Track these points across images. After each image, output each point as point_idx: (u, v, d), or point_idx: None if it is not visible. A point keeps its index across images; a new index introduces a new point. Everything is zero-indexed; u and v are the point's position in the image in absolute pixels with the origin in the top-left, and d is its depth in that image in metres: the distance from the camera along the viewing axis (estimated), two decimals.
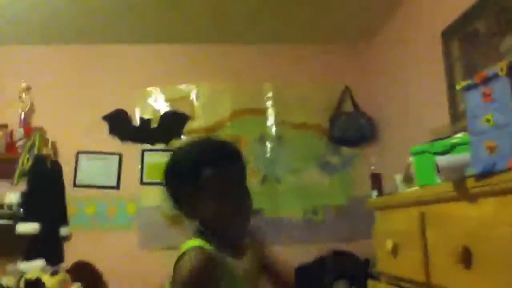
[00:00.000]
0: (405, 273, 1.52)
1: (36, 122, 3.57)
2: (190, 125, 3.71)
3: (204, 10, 3.28)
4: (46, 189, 3.35)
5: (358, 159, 3.68)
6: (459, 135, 1.48)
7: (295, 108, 3.75)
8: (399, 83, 3.24)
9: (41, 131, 3.48)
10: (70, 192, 3.53)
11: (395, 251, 1.56)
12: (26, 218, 3.21)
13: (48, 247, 3.25)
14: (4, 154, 3.39)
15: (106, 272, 3.39)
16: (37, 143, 3.39)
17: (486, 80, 1.09)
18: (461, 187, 1.17)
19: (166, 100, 3.76)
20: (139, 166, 3.63)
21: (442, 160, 1.31)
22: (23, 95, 3.55)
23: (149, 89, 3.76)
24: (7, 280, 2.79)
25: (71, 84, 3.69)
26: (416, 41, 2.93)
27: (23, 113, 3.52)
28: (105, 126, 3.65)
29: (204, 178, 1.18)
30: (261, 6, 3.22)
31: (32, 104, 3.58)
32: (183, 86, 3.78)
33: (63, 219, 3.44)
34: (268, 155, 3.68)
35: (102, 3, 3.14)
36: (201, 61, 3.80)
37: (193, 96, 3.77)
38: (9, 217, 3.22)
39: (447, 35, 2.49)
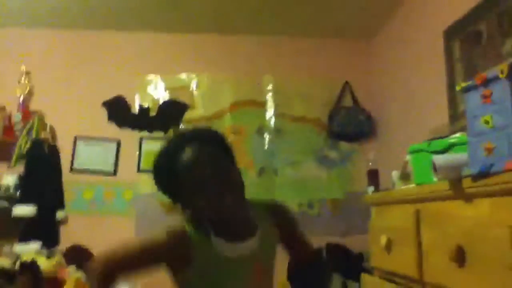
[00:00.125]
0: (398, 268, 1.54)
1: (34, 106, 3.57)
2: (189, 115, 3.72)
3: (207, 0, 3.27)
4: (44, 172, 3.36)
5: (356, 155, 3.70)
6: (457, 135, 1.49)
7: (295, 102, 3.76)
8: (399, 81, 3.25)
9: (40, 115, 3.48)
10: (67, 177, 3.54)
11: (389, 246, 1.58)
12: (22, 201, 3.22)
13: (44, 230, 3.27)
14: (2, 137, 3.38)
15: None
16: (35, 126, 3.39)
17: (486, 82, 1.10)
18: (458, 186, 1.19)
19: (166, 89, 3.76)
20: (137, 153, 3.64)
21: (439, 159, 1.32)
22: (23, 79, 3.54)
23: (149, 77, 3.76)
24: (2, 262, 2.80)
25: (71, 69, 3.69)
26: (417, 40, 2.93)
27: (22, 96, 3.51)
28: (103, 112, 3.65)
29: (180, 169, 1.21)
30: None
31: (31, 88, 3.58)
32: (183, 75, 3.78)
33: (60, 203, 3.46)
34: (266, 147, 3.69)
35: None
36: (202, 51, 3.80)
37: (193, 85, 3.77)
38: (5, 199, 3.23)
39: (449, 35, 2.49)
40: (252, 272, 1.28)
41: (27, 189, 3.27)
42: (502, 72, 1.05)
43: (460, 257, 1.12)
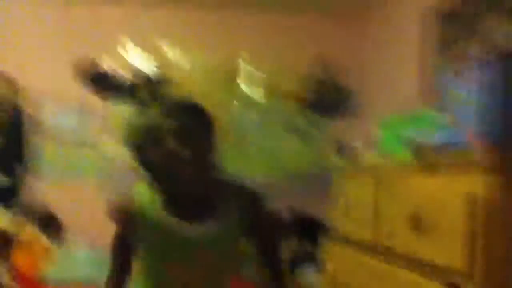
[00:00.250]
0: (356, 233, 1.58)
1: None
2: (164, 90, 3.64)
3: None
4: (12, 136, 3.28)
5: (327, 127, 3.71)
6: (424, 108, 1.52)
7: (272, 74, 3.73)
8: (377, 58, 3.27)
9: (9, 78, 3.35)
10: (31, 137, 3.44)
11: (348, 212, 1.62)
12: None
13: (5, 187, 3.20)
14: None
15: (64, 216, 3.37)
16: (7, 93, 3.28)
17: (460, 59, 1.11)
18: (420, 157, 1.21)
19: (143, 61, 3.65)
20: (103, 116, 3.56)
21: (406, 132, 1.34)
22: None
23: (127, 44, 3.64)
24: None
25: (45, 23, 3.54)
26: (398, 17, 2.94)
27: None
28: (73, 74, 3.52)
29: (152, 124, 1.16)
30: None
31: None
32: (165, 49, 3.68)
33: (21, 162, 3.38)
34: (240, 118, 3.67)
35: None
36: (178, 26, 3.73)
37: (174, 60, 3.68)
38: None
39: (429, 13, 2.49)
40: (198, 257, 1.18)
41: None
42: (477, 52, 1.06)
43: (416, 223, 1.15)
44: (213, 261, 1.19)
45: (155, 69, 3.57)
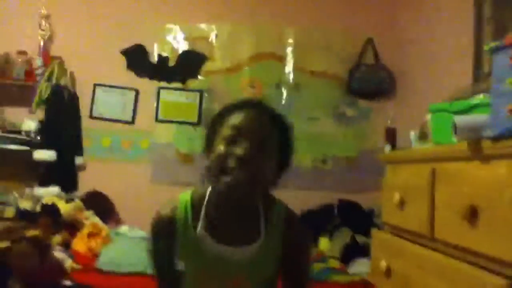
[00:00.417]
0: (409, 225, 1.55)
1: (54, 51, 3.58)
2: (207, 66, 3.69)
3: None
4: (63, 118, 3.41)
5: (374, 113, 3.66)
6: (480, 96, 1.47)
7: (315, 56, 3.70)
8: (424, 39, 3.16)
9: (60, 61, 3.49)
10: (86, 123, 3.60)
11: (402, 204, 1.60)
12: (43, 146, 3.29)
13: (64, 175, 3.36)
14: (23, 81, 3.42)
15: (118, 202, 3.52)
16: (55, 72, 3.42)
17: None
18: (476, 147, 1.18)
19: (185, 39, 3.72)
20: (155, 104, 3.66)
21: (460, 119, 1.31)
22: (43, 22, 3.53)
23: (169, 26, 3.72)
24: (24, 204, 2.90)
25: (91, 15, 3.66)
26: (452, 1, 2.82)
27: (42, 41, 3.52)
28: (123, 60, 3.65)
29: (225, 119, 1.13)
30: None
31: (51, 33, 3.57)
32: (203, 26, 3.73)
33: (79, 149, 3.53)
34: (283, 102, 3.68)
35: None
36: (222, 0, 3.73)
37: (212, 36, 3.72)
38: (26, 143, 3.31)
39: None
40: (230, 281, 1.17)
41: (47, 134, 3.34)
42: None
43: (472, 216, 1.13)
44: (247, 285, 1.17)
45: (197, 46, 3.64)
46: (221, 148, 1.07)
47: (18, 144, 3.30)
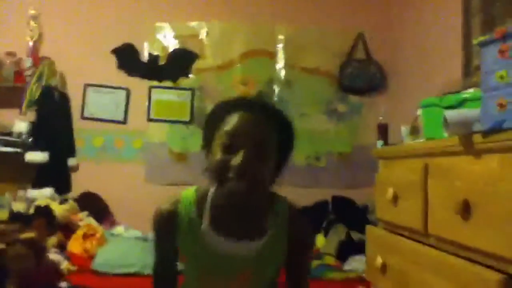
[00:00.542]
0: (403, 221, 1.57)
1: (44, 52, 3.55)
2: (198, 64, 3.68)
3: None
4: (55, 119, 3.39)
5: (365, 108, 3.68)
6: (470, 90, 1.48)
7: (306, 53, 3.71)
8: (414, 34, 3.18)
9: (50, 61, 3.47)
10: (78, 124, 3.58)
11: (395, 199, 1.61)
12: (35, 147, 3.27)
13: (57, 176, 3.34)
14: (13, 82, 3.40)
15: (112, 203, 3.50)
16: (45, 73, 3.40)
17: (505, 36, 1.07)
18: (468, 142, 1.19)
19: (176, 37, 3.71)
20: (146, 103, 3.64)
21: (451, 114, 1.31)
22: (32, 23, 3.50)
23: (159, 24, 3.70)
24: (18, 206, 2.89)
25: (81, 15, 3.64)
26: None
27: (31, 41, 3.49)
28: (113, 60, 3.63)
29: (223, 118, 1.11)
30: None
31: (40, 33, 3.55)
32: (193, 24, 3.72)
33: (71, 150, 3.52)
34: (275, 98, 3.68)
35: None
36: None
37: (203, 34, 3.71)
38: (18, 145, 3.29)
39: None
40: (236, 277, 1.16)
41: (39, 135, 3.32)
42: None
43: (465, 210, 1.14)
44: (254, 280, 1.17)
45: (187, 44, 3.62)
46: (218, 156, 1.06)
47: (10, 146, 3.28)
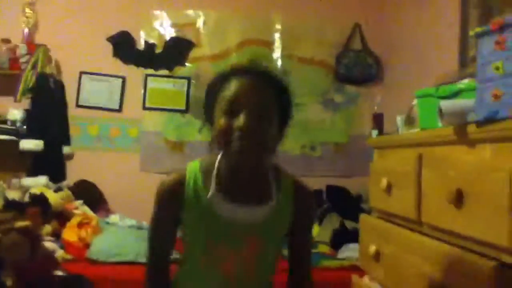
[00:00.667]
0: (397, 210, 1.58)
1: (39, 39, 3.52)
2: (195, 53, 3.67)
3: None
4: (49, 107, 3.37)
5: (361, 98, 3.68)
6: (465, 81, 1.49)
7: (302, 42, 3.70)
8: (410, 24, 3.17)
9: (45, 48, 3.44)
10: (73, 112, 3.57)
11: (389, 188, 1.62)
12: (29, 135, 3.26)
13: (51, 164, 3.33)
14: (8, 69, 3.37)
15: (107, 191, 3.51)
16: (40, 60, 3.37)
17: (502, 28, 1.07)
18: (462, 132, 1.20)
19: (172, 25, 3.69)
20: (142, 91, 3.63)
21: (446, 104, 1.32)
22: (27, 10, 3.47)
23: (155, 12, 3.68)
24: (13, 194, 2.88)
25: (76, 2, 3.61)
26: None
27: (26, 28, 3.46)
28: (109, 48, 3.61)
29: (221, 88, 1.13)
30: None
31: (35, 20, 3.52)
32: (190, 12, 3.70)
33: (66, 138, 3.51)
34: None
35: None
36: None
37: (199, 23, 3.69)
38: (13, 133, 3.27)
39: None
40: (244, 242, 1.16)
41: (34, 123, 3.30)
42: None
43: (458, 199, 1.15)
44: (259, 247, 1.18)
45: (184, 33, 3.61)
46: (222, 121, 1.08)
47: (4, 134, 3.26)
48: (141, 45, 3.65)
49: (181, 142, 3.59)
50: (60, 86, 3.51)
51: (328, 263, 2.60)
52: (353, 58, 3.61)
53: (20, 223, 2.09)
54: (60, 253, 2.52)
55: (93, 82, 3.61)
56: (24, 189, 2.98)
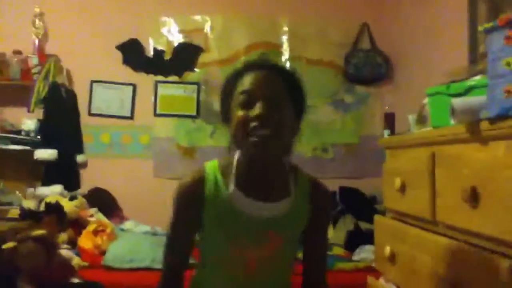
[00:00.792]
0: (412, 210, 1.57)
1: (50, 49, 3.56)
2: (203, 58, 3.69)
3: None
4: (62, 116, 3.41)
5: (372, 98, 3.67)
6: (476, 77, 1.47)
7: (310, 44, 3.69)
8: (418, 21, 3.15)
9: (56, 59, 3.48)
10: (85, 120, 3.60)
11: (403, 188, 1.61)
12: (43, 145, 3.30)
13: (66, 173, 3.37)
14: (20, 81, 3.42)
15: (121, 198, 3.53)
16: (52, 70, 3.41)
17: (510, 23, 1.06)
18: (474, 129, 1.19)
19: (180, 31, 3.71)
20: (153, 98, 3.66)
21: (457, 102, 1.31)
22: (37, 21, 3.52)
23: (163, 19, 3.70)
24: (28, 203, 2.91)
25: (85, 12, 3.65)
26: None
27: (37, 39, 3.50)
28: (118, 56, 3.64)
29: (236, 84, 1.15)
30: None
31: (45, 31, 3.56)
32: (197, 17, 3.72)
33: (79, 147, 3.54)
34: None
35: None
36: None
37: (207, 28, 3.71)
38: (27, 143, 3.32)
39: None
40: (264, 237, 1.17)
41: (47, 133, 3.34)
42: None
43: (473, 198, 1.14)
44: (279, 243, 1.18)
45: (192, 38, 3.62)
46: (239, 114, 1.10)
47: (19, 144, 3.31)
48: (150, 52, 3.68)
49: (193, 148, 3.61)
50: (72, 95, 3.55)
51: (343, 265, 2.59)
52: (362, 58, 3.59)
53: (36, 232, 2.12)
54: (76, 261, 2.54)
55: (104, 90, 3.64)
56: (39, 198, 3.01)
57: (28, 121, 3.37)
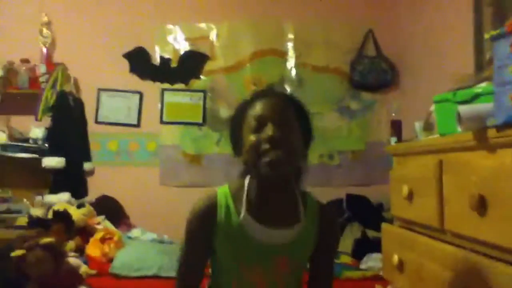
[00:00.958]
0: (419, 218, 1.56)
1: (57, 58, 3.60)
2: (209, 66, 3.70)
3: None
4: (70, 124, 3.44)
5: (377, 105, 3.66)
6: (483, 84, 1.47)
7: (316, 50, 3.70)
8: (424, 29, 3.15)
9: (63, 67, 3.51)
10: (92, 128, 3.62)
11: (410, 196, 1.60)
12: (51, 153, 3.32)
13: (73, 181, 3.39)
14: (28, 89, 3.45)
15: (128, 206, 3.54)
16: (59, 79, 3.44)
17: None
18: (482, 136, 1.18)
19: (186, 39, 3.73)
20: (159, 106, 3.67)
21: (464, 109, 1.31)
22: (44, 29, 3.55)
23: (169, 27, 3.73)
24: (36, 211, 2.93)
25: (91, 20, 3.68)
26: None
27: (45, 48, 3.54)
28: (125, 64, 3.67)
29: (245, 113, 1.19)
30: None
31: (53, 40, 3.60)
32: (203, 25, 3.74)
33: (86, 155, 3.56)
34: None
35: None
36: None
37: (213, 35, 3.73)
38: (35, 151, 3.34)
39: None
40: (274, 263, 1.19)
41: (55, 141, 3.36)
42: None
43: (481, 206, 1.14)
44: (288, 267, 1.20)
45: (197, 46, 3.65)
46: (251, 138, 1.14)
47: (27, 152, 3.33)
48: (156, 60, 3.70)
49: (199, 155, 3.61)
50: (79, 104, 3.57)
51: (351, 274, 2.57)
52: (367, 64, 3.59)
53: (45, 240, 2.12)
54: (84, 268, 2.54)
55: (111, 98, 3.66)
56: (47, 206, 3.03)
57: (36, 129, 3.40)
